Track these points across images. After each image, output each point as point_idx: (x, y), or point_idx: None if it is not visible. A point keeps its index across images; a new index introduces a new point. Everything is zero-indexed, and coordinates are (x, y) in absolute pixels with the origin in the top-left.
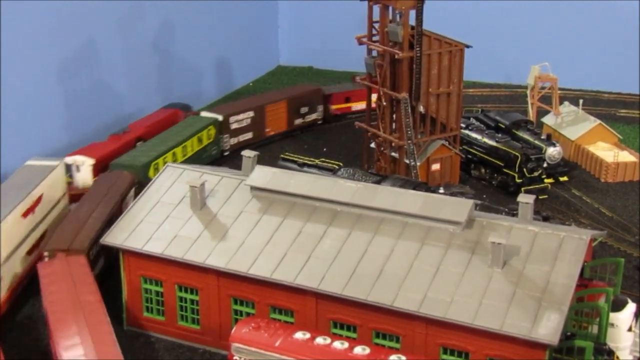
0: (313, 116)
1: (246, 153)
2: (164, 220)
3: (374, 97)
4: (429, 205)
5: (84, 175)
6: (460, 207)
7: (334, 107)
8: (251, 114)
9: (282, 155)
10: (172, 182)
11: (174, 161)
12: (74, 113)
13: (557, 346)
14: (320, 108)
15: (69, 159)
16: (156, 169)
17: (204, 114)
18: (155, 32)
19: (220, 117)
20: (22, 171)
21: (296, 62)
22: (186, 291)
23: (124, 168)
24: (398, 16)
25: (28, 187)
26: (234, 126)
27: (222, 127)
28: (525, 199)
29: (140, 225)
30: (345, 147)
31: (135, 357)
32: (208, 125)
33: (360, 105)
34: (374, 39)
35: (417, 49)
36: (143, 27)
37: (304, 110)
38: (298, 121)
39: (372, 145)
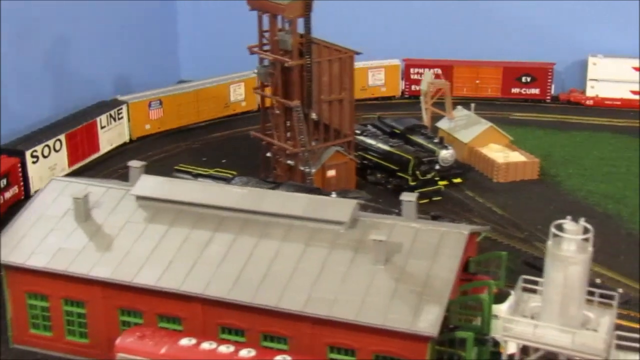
0: None
1: (133, 164)
2: (48, 233)
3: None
4: (313, 207)
5: None
6: (343, 207)
7: None
8: None
9: (176, 167)
10: (56, 195)
11: None
12: None
13: (440, 338)
14: None
15: None
16: None
17: None
18: (49, 47)
19: None
20: None
21: (198, 76)
22: (72, 305)
23: None
24: (287, 25)
25: None
26: None
27: None
28: (408, 197)
29: (23, 240)
30: (244, 158)
31: None
32: None
33: None
34: (265, 48)
35: (307, 57)
36: (36, 42)
37: None
38: None
39: (269, 154)
